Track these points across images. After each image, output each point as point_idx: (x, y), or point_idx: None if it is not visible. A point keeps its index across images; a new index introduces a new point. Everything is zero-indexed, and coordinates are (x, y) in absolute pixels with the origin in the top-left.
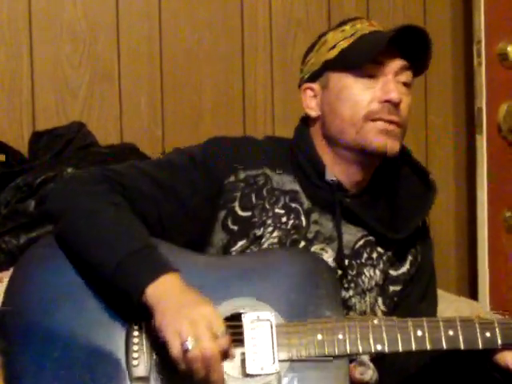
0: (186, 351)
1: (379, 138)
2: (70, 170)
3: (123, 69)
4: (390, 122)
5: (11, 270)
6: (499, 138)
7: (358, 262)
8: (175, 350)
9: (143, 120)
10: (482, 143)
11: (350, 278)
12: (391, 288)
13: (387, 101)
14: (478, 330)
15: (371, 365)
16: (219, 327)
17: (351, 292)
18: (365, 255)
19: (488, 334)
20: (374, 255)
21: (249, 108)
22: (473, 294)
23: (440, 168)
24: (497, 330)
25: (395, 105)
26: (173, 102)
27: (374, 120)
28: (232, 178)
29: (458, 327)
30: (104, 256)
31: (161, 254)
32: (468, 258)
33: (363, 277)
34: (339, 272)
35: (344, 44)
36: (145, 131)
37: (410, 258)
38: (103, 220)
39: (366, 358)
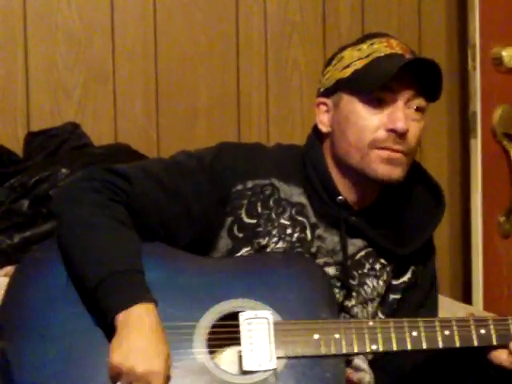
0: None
1: (383, 167)
2: (64, 170)
3: (118, 70)
4: (396, 151)
5: (4, 269)
6: (494, 142)
7: (360, 272)
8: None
9: (138, 121)
10: (477, 147)
11: (351, 287)
12: (391, 296)
13: (393, 130)
14: (473, 328)
15: (367, 369)
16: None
17: (353, 301)
18: (367, 266)
19: (483, 331)
20: (377, 266)
21: (244, 110)
22: (467, 299)
23: (434, 172)
24: (491, 326)
25: (401, 134)
26: (168, 103)
27: (378, 148)
28: (240, 187)
29: (454, 326)
30: (89, 270)
31: (143, 280)
32: (462, 262)
33: (365, 287)
34: (342, 281)
35: (358, 65)
36: (139, 132)
37: (412, 267)
38: (97, 234)
39: (361, 363)
